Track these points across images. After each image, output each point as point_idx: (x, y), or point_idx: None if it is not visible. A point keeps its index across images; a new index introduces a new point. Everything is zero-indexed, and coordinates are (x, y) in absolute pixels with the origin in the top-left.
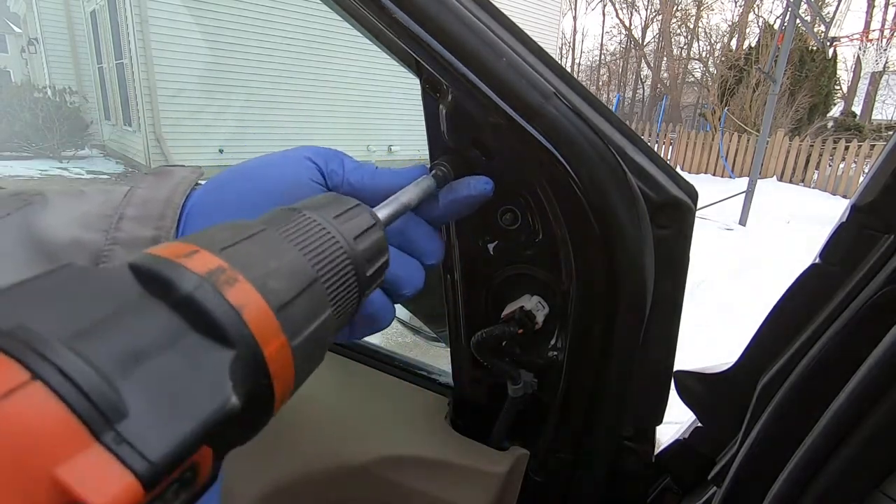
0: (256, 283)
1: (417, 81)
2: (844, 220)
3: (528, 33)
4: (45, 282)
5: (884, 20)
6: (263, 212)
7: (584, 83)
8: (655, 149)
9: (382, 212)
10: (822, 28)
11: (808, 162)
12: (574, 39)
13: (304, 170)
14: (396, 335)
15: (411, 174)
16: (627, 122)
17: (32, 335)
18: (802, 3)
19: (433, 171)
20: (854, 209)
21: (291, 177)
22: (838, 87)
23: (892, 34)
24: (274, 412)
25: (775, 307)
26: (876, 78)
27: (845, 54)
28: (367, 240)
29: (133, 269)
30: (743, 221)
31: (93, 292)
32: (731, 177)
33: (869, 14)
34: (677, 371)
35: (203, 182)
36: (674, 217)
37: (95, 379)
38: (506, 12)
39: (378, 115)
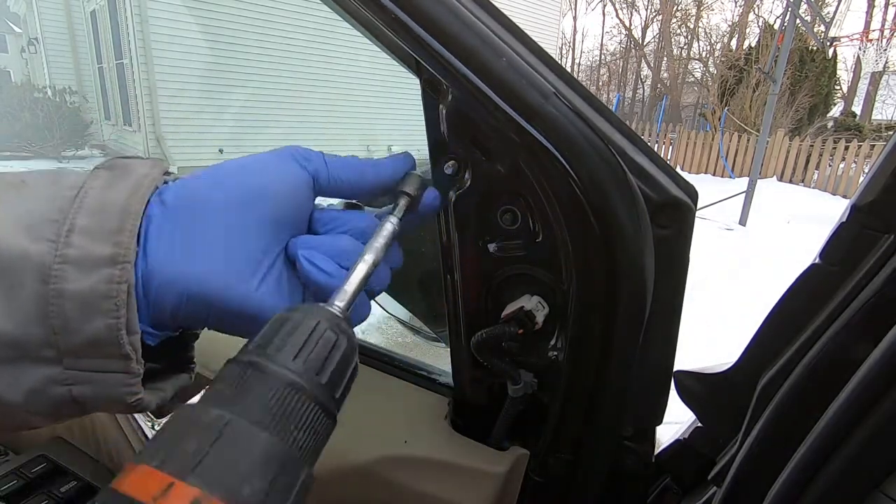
0: (232, 500)
1: (417, 81)
2: (844, 220)
3: (528, 33)
4: None
5: (884, 20)
6: (251, 220)
7: (584, 83)
8: (655, 149)
9: (347, 292)
10: (822, 28)
11: (808, 162)
12: (574, 39)
13: (292, 173)
14: (396, 335)
15: (395, 165)
16: (627, 122)
17: None
18: (802, 3)
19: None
20: (854, 209)
21: (281, 180)
22: (838, 87)
23: (892, 34)
24: None
25: (775, 307)
26: (876, 78)
27: (845, 54)
28: (332, 362)
29: None
30: (743, 221)
31: None
32: (731, 177)
33: (869, 14)
34: (677, 371)
35: (171, 179)
36: (674, 217)
37: None
38: (506, 12)
39: (378, 115)
